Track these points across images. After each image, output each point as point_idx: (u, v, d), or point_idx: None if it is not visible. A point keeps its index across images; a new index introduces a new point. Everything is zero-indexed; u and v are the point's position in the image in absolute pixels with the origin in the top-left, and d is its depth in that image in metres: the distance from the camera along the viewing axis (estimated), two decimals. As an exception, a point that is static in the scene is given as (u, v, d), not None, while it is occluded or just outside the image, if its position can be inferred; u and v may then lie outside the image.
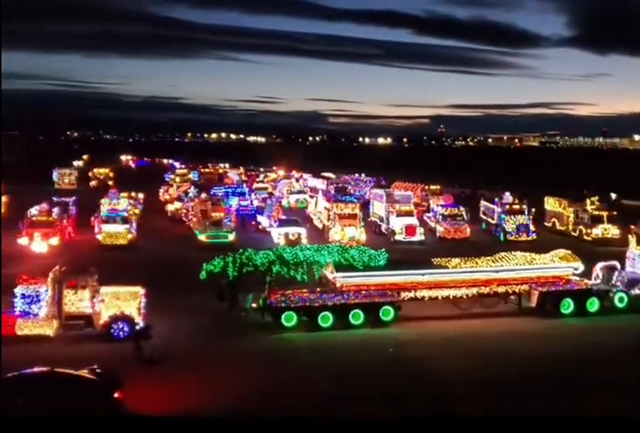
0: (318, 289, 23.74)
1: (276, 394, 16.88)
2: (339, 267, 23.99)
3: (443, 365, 19.23)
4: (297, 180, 66.51)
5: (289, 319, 22.57)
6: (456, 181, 71.80)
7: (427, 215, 45.20)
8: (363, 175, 66.39)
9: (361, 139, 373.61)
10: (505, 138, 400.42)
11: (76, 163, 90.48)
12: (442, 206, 44.68)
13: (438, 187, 56.63)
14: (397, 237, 39.04)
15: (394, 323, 23.05)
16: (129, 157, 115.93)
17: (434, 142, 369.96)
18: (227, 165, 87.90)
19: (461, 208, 43.07)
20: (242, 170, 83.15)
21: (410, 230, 39.23)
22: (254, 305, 23.28)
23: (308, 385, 17.59)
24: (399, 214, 40.38)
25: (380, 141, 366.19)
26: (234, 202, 48.51)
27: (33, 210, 38.62)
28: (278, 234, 38.01)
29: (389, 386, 17.52)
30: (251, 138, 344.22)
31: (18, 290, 20.92)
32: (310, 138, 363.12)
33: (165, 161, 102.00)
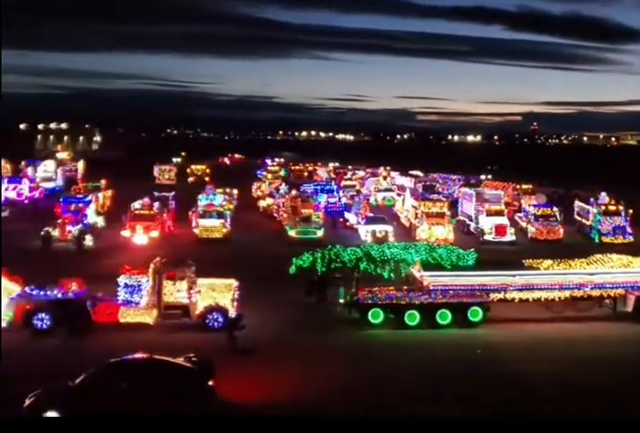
0: (405, 287, 23.58)
1: (360, 390, 16.91)
2: (426, 266, 23.73)
3: (531, 368, 18.69)
4: (385, 178, 66.11)
5: (376, 316, 22.54)
6: (549, 180, 69.29)
7: (518, 215, 43.89)
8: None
9: (450, 137, 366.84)
10: (601, 136, 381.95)
11: (175, 160, 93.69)
12: (534, 205, 43.26)
13: (530, 186, 54.84)
14: (487, 237, 38.14)
15: (482, 324, 22.59)
16: (235, 155, 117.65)
17: (526, 140, 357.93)
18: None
19: (554, 208, 41.59)
20: (330, 167, 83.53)
21: (500, 230, 38.24)
22: (342, 301, 23.40)
23: (393, 383, 17.51)
24: (489, 213, 39.41)
25: (470, 138, 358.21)
26: (323, 199, 48.86)
27: (136, 204, 40.26)
28: (365, 232, 38.01)
29: (476, 387, 17.18)
30: (340, 136, 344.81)
31: (121, 280, 21.83)
32: (398, 136, 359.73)
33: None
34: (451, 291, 22.83)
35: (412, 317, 22.44)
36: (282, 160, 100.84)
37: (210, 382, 15.29)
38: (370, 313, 22.53)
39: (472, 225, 40.73)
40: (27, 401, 14.25)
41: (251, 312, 22.05)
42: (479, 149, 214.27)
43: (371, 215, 41.54)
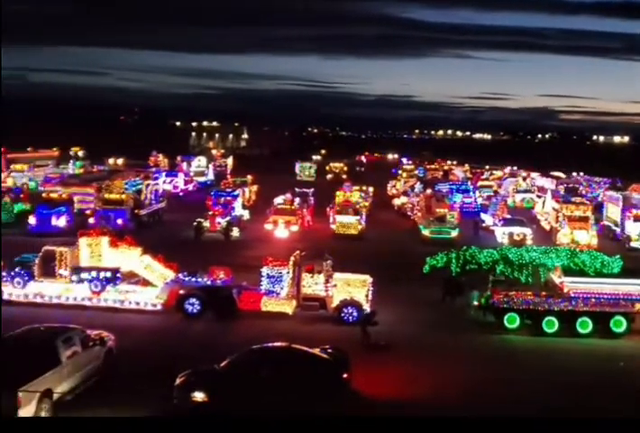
0: (543, 292, 22.48)
1: (488, 394, 16.36)
2: (567, 271, 22.50)
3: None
4: (524, 179, 63.37)
5: (512, 321, 21.70)
6: None
7: (670, 221, 40.38)
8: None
9: (595, 137, 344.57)
10: None
11: (315, 157, 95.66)
12: (687, 212, 39.58)
13: (684, 191, 50.17)
14: (634, 244, 35.48)
15: (626, 335, 21.07)
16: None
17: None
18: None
19: None
20: (467, 167, 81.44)
21: (648, 237, 35.42)
22: (476, 303, 22.78)
23: (523, 389, 16.76)
24: (637, 219, 36.66)
25: (617, 139, 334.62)
26: (458, 199, 47.77)
27: (279, 199, 41.55)
28: (502, 234, 36.73)
29: (610, 399, 16.05)
30: (477, 135, 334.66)
31: (264, 271, 22.50)
32: (539, 135, 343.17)
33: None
34: (593, 299, 21.47)
35: (550, 324, 21.38)
36: (418, 159, 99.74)
37: (345, 375, 15.45)
38: (505, 317, 21.73)
39: (618, 230, 38.07)
40: (178, 380, 15.12)
41: (384, 309, 22.03)
42: (626, 150, 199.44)
43: (509, 216, 40.01)
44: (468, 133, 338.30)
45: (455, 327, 21.89)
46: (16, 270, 22.81)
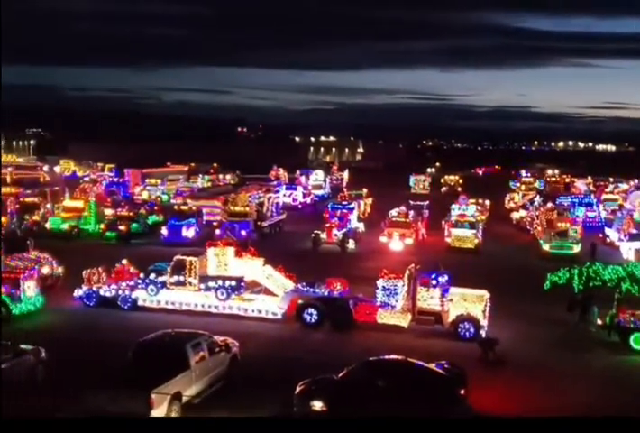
0: (675, 312, 20.73)
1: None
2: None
3: None
4: (653, 192, 58.99)
5: (639, 342, 20.16)
6: None
7: None
8: None
9: None
10: None
11: (429, 170, 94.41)
12: None
13: None
14: None
15: None
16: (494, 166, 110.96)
17: None
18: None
19: None
20: (590, 179, 77.05)
21: None
22: (599, 322, 21.39)
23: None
24: None
25: None
26: (581, 213, 45.30)
27: (393, 212, 41.32)
28: (627, 249, 34.38)
29: None
30: (600, 146, 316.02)
31: (380, 283, 22.24)
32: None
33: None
34: None
35: (682, 347, 19.66)
36: (537, 171, 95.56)
37: (461, 391, 14.99)
38: (632, 338, 20.24)
39: None
40: (298, 389, 15.29)
41: (503, 325, 21.26)
42: None
43: (635, 231, 37.37)
44: (590, 145, 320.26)
45: (577, 346, 20.68)
46: (150, 277, 24.15)
